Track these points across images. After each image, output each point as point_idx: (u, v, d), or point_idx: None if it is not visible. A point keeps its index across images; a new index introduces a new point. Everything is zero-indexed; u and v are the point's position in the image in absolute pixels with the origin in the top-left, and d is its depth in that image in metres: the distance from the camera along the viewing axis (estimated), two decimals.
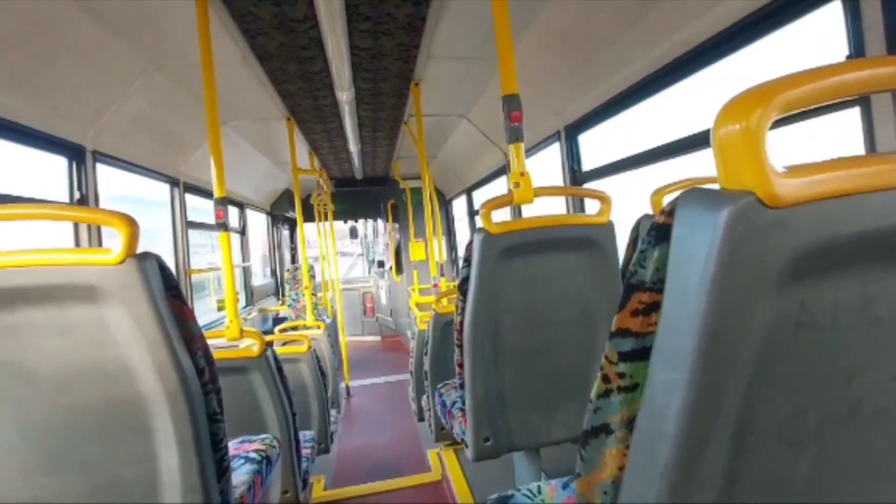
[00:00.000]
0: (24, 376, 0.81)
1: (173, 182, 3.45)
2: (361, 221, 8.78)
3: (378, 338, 8.03)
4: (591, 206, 2.88)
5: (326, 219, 6.06)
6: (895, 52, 1.16)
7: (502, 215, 1.68)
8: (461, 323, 1.41)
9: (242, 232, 5.53)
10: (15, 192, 1.98)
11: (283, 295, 6.51)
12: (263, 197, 6.30)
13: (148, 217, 3.37)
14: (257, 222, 6.46)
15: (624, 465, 0.50)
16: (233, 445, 1.44)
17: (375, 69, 2.90)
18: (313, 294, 4.95)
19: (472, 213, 5.63)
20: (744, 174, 0.39)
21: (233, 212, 5.27)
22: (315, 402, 2.75)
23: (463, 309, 1.40)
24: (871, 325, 0.44)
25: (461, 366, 1.44)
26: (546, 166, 3.26)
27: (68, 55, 1.98)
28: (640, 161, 2.34)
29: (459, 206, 6.25)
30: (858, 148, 1.28)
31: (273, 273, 6.89)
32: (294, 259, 7.76)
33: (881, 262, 0.43)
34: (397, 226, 7.31)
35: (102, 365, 0.82)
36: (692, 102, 2.14)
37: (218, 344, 1.79)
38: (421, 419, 3.02)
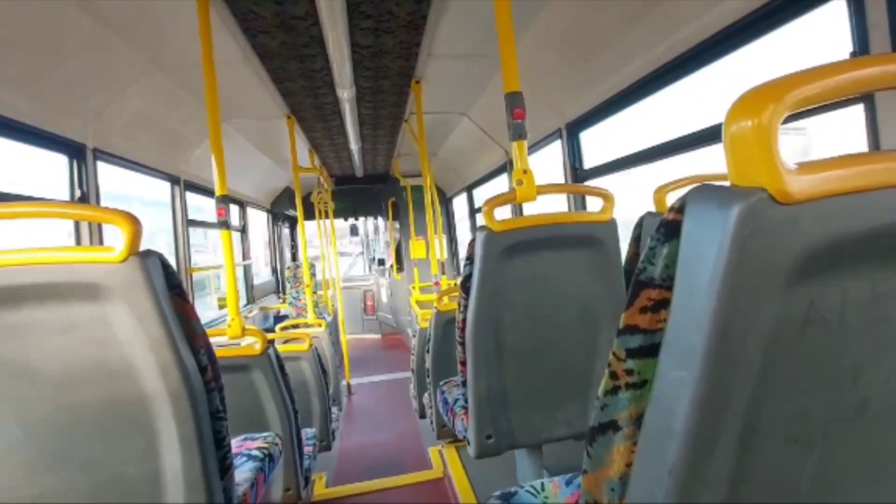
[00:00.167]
0: (27, 374, 0.80)
1: (174, 180, 3.45)
2: (362, 219, 8.77)
3: (378, 336, 8.03)
4: (593, 204, 2.89)
5: (327, 217, 6.05)
6: None
7: (503, 213, 1.68)
8: (464, 321, 1.41)
9: (243, 230, 5.53)
10: (14, 192, 1.98)
11: (284, 293, 6.52)
12: (264, 195, 6.30)
13: (143, 220, 3.33)
14: (258, 220, 6.46)
15: (631, 461, 0.50)
16: (235, 443, 1.45)
17: (376, 67, 2.89)
18: (314, 292, 4.95)
19: (472, 211, 5.62)
20: (755, 171, 0.39)
21: (233, 210, 5.26)
22: (317, 399, 2.75)
23: (465, 307, 1.40)
24: (878, 323, 0.44)
25: (463, 363, 1.44)
26: (547, 164, 3.26)
27: (69, 54, 1.98)
28: (641, 158, 2.34)
29: (460, 204, 6.24)
30: (857, 145, 1.27)
31: (274, 271, 6.90)
32: (295, 257, 7.76)
33: (890, 260, 0.43)
34: (398, 224, 7.31)
35: (105, 363, 0.81)
36: (693, 100, 2.14)
37: (220, 342, 1.79)
38: (422, 416, 3.02)
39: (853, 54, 1.26)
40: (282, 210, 6.91)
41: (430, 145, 4.34)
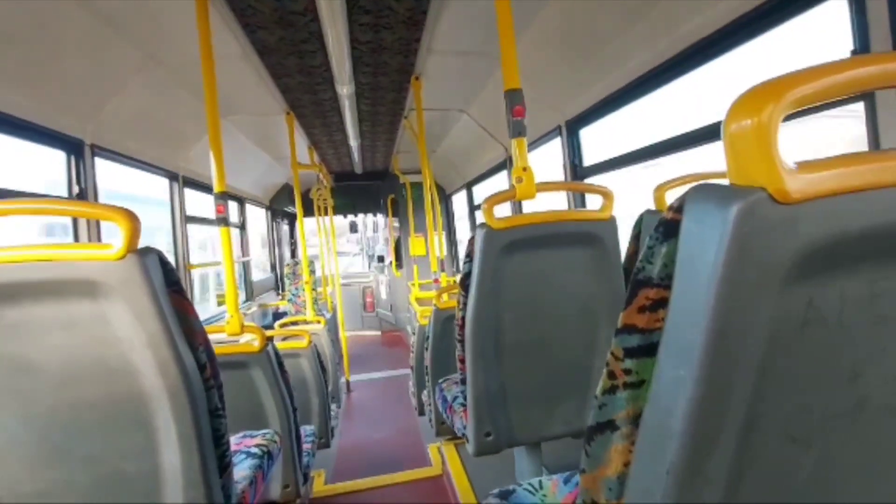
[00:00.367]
0: (27, 371, 0.80)
1: (172, 176, 3.44)
2: (361, 216, 8.77)
3: (378, 333, 8.03)
4: (592, 202, 2.89)
5: (326, 213, 6.05)
6: None
7: (503, 210, 1.67)
8: (463, 318, 1.41)
9: (242, 227, 5.52)
10: (13, 189, 1.98)
11: (283, 290, 6.51)
12: (263, 191, 6.29)
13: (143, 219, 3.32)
14: (257, 217, 6.45)
15: (629, 461, 0.50)
16: (234, 440, 1.45)
17: (376, 63, 2.88)
18: (313, 289, 4.95)
19: (472, 209, 5.62)
20: (755, 170, 0.39)
21: (232, 207, 5.25)
22: (315, 396, 2.75)
23: (465, 304, 1.40)
24: (877, 322, 0.44)
25: (462, 361, 1.44)
26: (547, 161, 3.25)
27: (67, 50, 1.97)
28: (641, 156, 2.33)
29: (460, 201, 6.23)
30: (856, 145, 1.27)
31: (273, 268, 6.89)
32: (294, 254, 7.76)
33: (889, 259, 0.43)
34: (397, 221, 7.30)
35: (104, 360, 0.81)
36: (694, 98, 2.13)
37: (219, 339, 1.79)
38: (421, 414, 3.02)
39: (854, 52, 1.26)
40: (281, 207, 6.91)
41: (429, 142, 4.34)
